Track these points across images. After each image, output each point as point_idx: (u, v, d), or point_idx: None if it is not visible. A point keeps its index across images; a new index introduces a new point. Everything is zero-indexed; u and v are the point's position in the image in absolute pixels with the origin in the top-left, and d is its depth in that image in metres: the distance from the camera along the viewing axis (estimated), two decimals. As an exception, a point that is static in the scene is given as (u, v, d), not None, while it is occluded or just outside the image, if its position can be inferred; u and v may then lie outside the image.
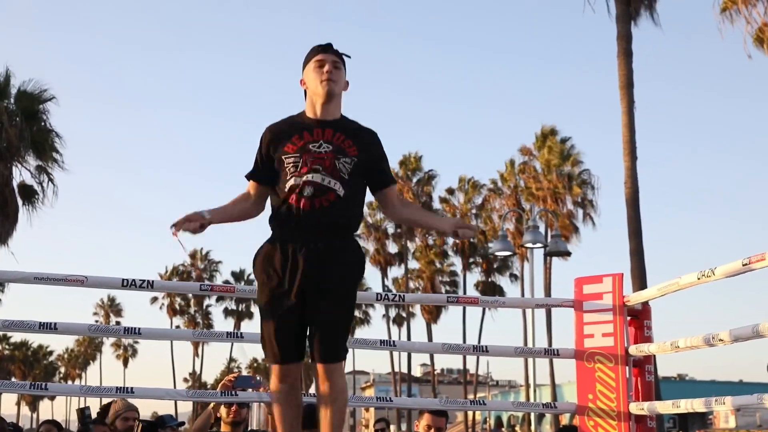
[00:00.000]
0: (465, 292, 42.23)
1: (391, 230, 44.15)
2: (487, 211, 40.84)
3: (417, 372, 66.87)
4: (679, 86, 77.91)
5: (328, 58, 3.47)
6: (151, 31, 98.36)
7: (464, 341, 40.47)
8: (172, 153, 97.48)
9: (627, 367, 5.03)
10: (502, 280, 43.77)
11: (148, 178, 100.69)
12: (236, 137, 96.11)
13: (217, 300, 58.94)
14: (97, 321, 66.28)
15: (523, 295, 35.99)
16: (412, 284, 43.90)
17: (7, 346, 74.00)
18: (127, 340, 63.75)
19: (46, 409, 76.64)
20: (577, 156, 36.28)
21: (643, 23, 21.64)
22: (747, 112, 76.02)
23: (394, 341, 8.69)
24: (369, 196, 3.64)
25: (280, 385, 3.44)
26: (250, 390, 4.94)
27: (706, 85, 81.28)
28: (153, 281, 5.09)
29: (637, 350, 5.02)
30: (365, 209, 3.73)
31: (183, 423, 6.20)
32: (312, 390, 4.06)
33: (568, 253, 19.51)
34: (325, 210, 3.34)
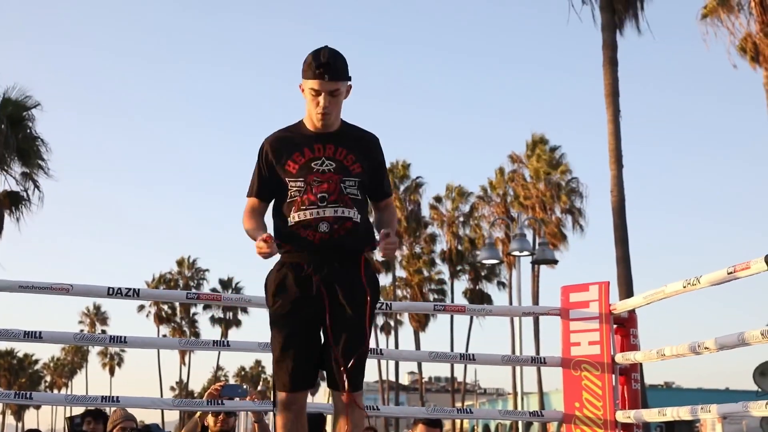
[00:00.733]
0: (453, 300, 42.22)
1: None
2: (475, 219, 40.92)
3: (405, 380, 66.83)
4: (665, 94, 78.44)
5: (325, 88, 3.21)
6: (144, 41, 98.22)
7: (452, 349, 40.46)
8: (161, 161, 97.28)
9: (613, 375, 5.05)
10: (490, 288, 43.82)
11: (136, 186, 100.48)
12: (226, 146, 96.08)
13: (204, 308, 58.77)
14: (82, 329, 65.96)
15: (510, 302, 36.03)
16: (399, 292, 43.86)
17: (-9, 355, 73.54)
18: (113, 348, 63.41)
19: (32, 419, 76.11)
20: (566, 165, 36.42)
21: (629, 32, 21.79)
22: (732, 119, 76.56)
23: (381, 349, 8.67)
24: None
25: (286, 413, 3.28)
26: (237, 399, 4.93)
27: (692, 93, 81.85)
28: (139, 290, 5.07)
29: (623, 358, 5.03)
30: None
31: (169, 432, 6.20)
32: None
33: (555, 261, 19.53)
34: (343, 238, 3.24)
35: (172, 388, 66.85)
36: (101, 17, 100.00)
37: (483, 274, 43.18)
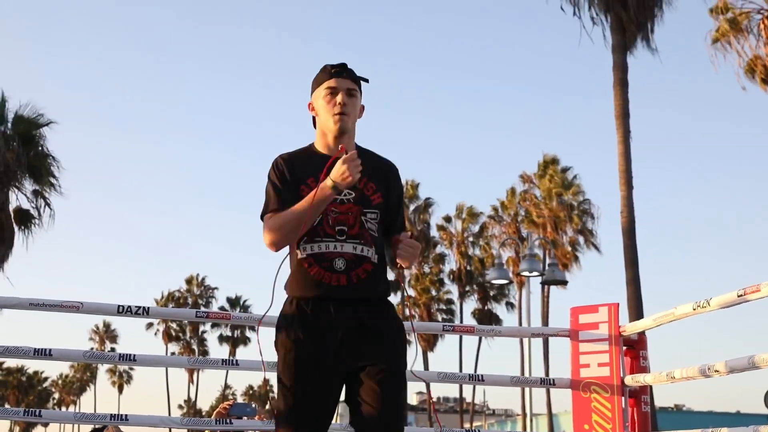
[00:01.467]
0: (462, 321, 42.12)
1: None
2: (485, 239, 40.88)
3: (413, 400, 66.56)
4: (675, 116, 78.35)
5: (342, 86, 2.96)
6: (153, 58, 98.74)
7: (461, 369, 40.35)
8: (171, 178, 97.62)
9: (623, 398, 5.03)
10: (499, 309, 43.72)
11: (146, 203, 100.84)
12: (237, 164, 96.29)
13: (213, 326, 58.78)
14: (92, 347, 66.07)
15: (520, 323, 35.92)
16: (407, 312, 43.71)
17: (0, 372, 73.63)
18: (122, 366, 63.45)
19: (40, 436, 76.03)
20: (578, 186, 36.44)
21: (639, 53, 21.84)
22: (742, 141, 76.44)
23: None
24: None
25: None
26: (246, 418, 4.92)
27: (702, 114, 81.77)
28: (149, 308, 5.09)
29: (633, 380, 5.01)
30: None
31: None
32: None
33: (565, 282, 19.51)
34: (363, 282, 2.89)
35: (180, 407, 66.82)
36: (117, 33, 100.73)
37: (492, 294, 43.10)
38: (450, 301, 44.70)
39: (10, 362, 70.30)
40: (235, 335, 58.24)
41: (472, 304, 44.17)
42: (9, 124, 23.43)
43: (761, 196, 76.34)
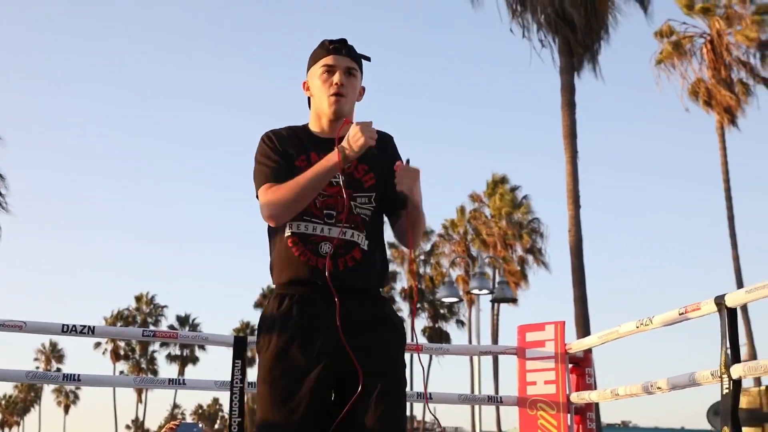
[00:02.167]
0: (413, 339, 42.13)
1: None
2: (436, 257, 41.09)
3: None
4: (622, 136, 79.67)
5: (340, 64, 2.72)
6: (127, 89, 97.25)
7: (411, 388, 40.27)
8: (120, 198, 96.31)
9: (569, 415, 5.08)
10: (449, 327, 43.91)
11: (95, 221, 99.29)
12: (187, 184, 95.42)
13: (161, 345, 58.05)
14: (37, 367, 64.72)
15: (470, 341, 36.09)
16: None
17: (-59, 393, 71.75)
18: (68, 386, 62.26)
19: (-19, 458, 74.13)
20: (527, 205, 36.87)
21: (586, 75, 22.25)
22: (688, 161, 78.00)
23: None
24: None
25: None
26: (192, 438, 4.88)
27: (647, 134, 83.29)
28: (94, 327, 5.01)
29: (578, 398, 5.07)
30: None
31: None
32: None
33: (514, 300, 19.69)
34: (351, 271, 2.65)
35: (128, 427, 65.81)
36: (88, 66, 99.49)
37: (442, 312, 43.28)
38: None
39: (-49, 383, 68.57)
40: (184, 354, 57.60)
41: (422, 321, 44.36)
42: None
43: (704, 215, 77.99)
